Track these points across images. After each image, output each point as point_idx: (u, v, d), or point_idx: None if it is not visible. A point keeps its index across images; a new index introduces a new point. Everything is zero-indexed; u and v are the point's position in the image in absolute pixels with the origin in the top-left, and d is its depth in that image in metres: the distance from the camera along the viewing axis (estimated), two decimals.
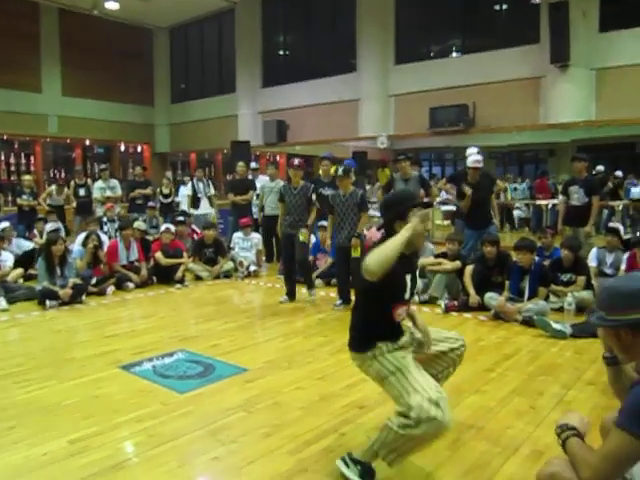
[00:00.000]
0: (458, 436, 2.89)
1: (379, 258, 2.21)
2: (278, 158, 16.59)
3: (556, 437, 1.76)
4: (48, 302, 5.99)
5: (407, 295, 2.54)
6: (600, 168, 12.27)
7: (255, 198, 9.11)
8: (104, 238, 7.78)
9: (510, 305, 5.29)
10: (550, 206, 12.32)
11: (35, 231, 8.68)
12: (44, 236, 7.86)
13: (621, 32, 9.31)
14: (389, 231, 2.51)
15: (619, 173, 12.76)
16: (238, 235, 8.32)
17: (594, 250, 6.21)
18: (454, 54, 11.85)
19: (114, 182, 10.32)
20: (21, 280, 6.95)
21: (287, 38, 14.90)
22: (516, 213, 14.57)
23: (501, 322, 5.29)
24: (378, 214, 9.04)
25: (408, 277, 2.53)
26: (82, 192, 10.15)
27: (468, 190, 6.55)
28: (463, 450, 2.76)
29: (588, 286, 5.68)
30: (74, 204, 10.17)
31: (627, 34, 9.24)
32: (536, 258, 5.51)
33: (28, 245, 7.97)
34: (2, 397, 3.48)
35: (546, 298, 5.44)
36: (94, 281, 6.77)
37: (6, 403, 3.39)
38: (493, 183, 7.12)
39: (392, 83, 12.05)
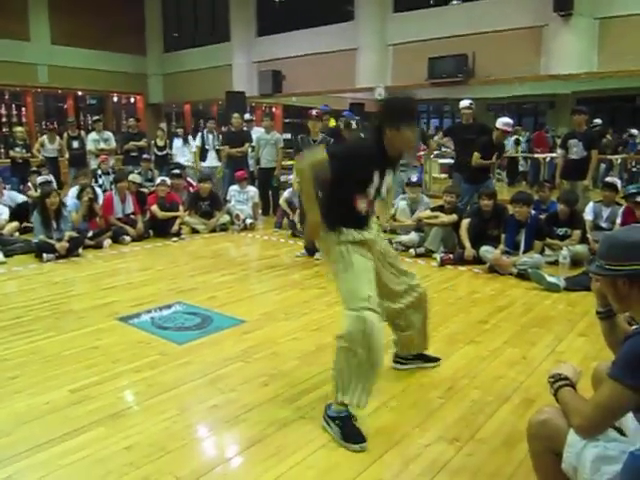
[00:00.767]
0: (452, 385, 2.96)
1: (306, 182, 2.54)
2: (274, 109, 16.33)
3: (548, 386, 1.80)
4: (45, 255, 5.99)
5: (372, 191, 2.58)
6: (597, 121, 12.14)
7: (250, 150, 9.01)
8: (98, 191, 7.71)
9: (505, 258, 5.33)
10: (548, 159, 12.25)
11: (29, 184, 8.60)
12: (38, 189, 7.79)
13: None
14: (379, 134, 2.54)
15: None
16: (234, 188, 8.27)
17: (590, 204, 6.21)
18: (454, 2, 11.51)
19: (108, 134, 10.16)
20: (17, 233, 6.93)
21: None
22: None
23: (496, 275, 5.33)
24: None
25: (376, 176, 2.56)
26: (75, 144, 10.01)
27: (496, 159, 6.53)
28: (456, 398, 2.83)
29: (583, 240, 5.71)
30: (67, 156, 10.04)
31: None
32: (532, 212, 5.51)
33: (22, 198, 7.90)
34: (3, 348, 3.52)
35: (541, 251, 5.48)
36: (90, 234, 6.77)
37: (7, 354, 3.44)
38: (503, 147, 7.09)
39: (390, 32, 11.74)
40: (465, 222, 5.90)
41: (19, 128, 10.32)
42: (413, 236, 6.39)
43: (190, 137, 10.45)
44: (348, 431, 2.42)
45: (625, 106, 16.09)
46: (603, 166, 11.95)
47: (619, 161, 12.02)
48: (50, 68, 14.12)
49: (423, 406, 2.74)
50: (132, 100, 16.74)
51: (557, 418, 1.69)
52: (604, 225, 5.96)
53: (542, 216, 5.90)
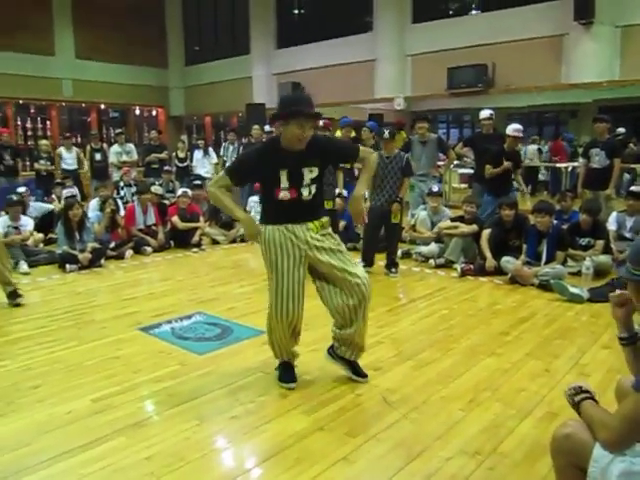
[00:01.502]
0: (473, 397, 2.93)
1: (216, 200, 3.08)
2: None
3: (567, 399, 1.77)
4: (68, 266, 6.08)
5: (284, 184, 2.89)
6: (621, 130, 11.97)
7: None
8: (119, 203, 7.82)
9: (527, 269, 5.26)
10: (570, 169, 12.09)
11: (53, 196, 8.75)
12: (62, 201, 7.92)
13: None
14: (271, 122, 2.98)
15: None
16: (254, 199, 8.31)
17: (614, 214, 6.11)
18: (473, 12, 11.50)
19: (130, 146, 10.31)
20: (41, 244, 7.05)
21: None
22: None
23: (517, 286, 5.27)
24: None
25: (283, 172, 2.87)
26: (98, 157, 10.17)
27: (508, 164, 6.43)
28: (478, 411, 2.79)
29: (606, 250, 5.62)
30: (86, 167, 10.17)
31: None
32: (554, 221, 5.44)
33: (47, 207, 8.04)
34: (26, 357, 3.58)
35: (563, 262, 5.40)
36: (113, 245, 6.86)
37: (30, 363, 3.49)
38: (518, 155, 6.99)
39: (409, 43, 11.76)
40: (486, 232, 5.84)
41: (44, 141, 10.52)
42: (433, 247, 6.35)
43: (210, 149, 10.55)
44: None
45: None
46: (627, 176, 11.75)
47: None
48: (74, 82, 14.41)
49: (444, 418, 2.71)
50: (154, 113, 16.98)
51: (581, 432, 1.66)
52: (628, 235, 5.86)
53: (564, 226, 5.83)
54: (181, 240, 7.46)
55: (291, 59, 13.69)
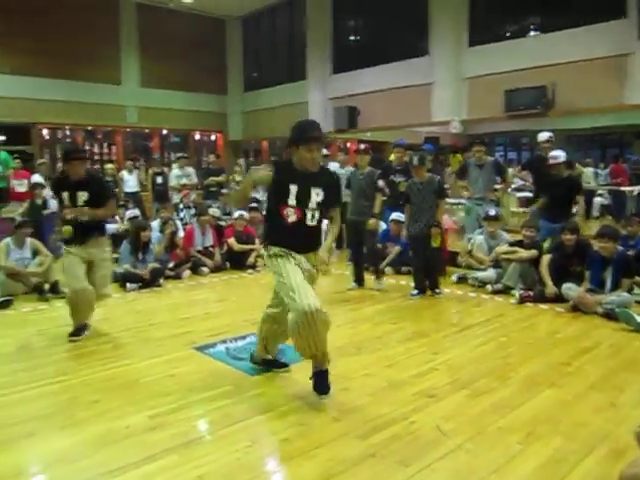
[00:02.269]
0: (532, 430, 2.81)
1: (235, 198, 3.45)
2: (349, 144, 16.54)
3: (636, 437, 1.67)
4: (129, 285, 6.30)
5: (292, 201, 3.13)
6: None
7: None
8: (178, 224, 8.06)
9: (590, 296, 5.05)
10: (635, 193, 11.60)
11: (117, 217, 9.12)
12: (124, 222, 8.24)
13: None
14: (288, 146, 3.19)
15: None
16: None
17: None
18: (532, 33, 11.32)
19: (190, 170, 10.63)
20: None
21: (357, 23, 14.75)
22: (597, 200, 13.80)
23: (580, 314, 5.06)
24: (452, 201, 8.86)
25: (293, 187, 3.13)
26: (159, 180, 10.54)
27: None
28: (537, 445, 2.67)
29: None
30: (148, 189, 10.55)
31: None
32: (619, 247, 5.22)
33: (111, 228, 8.35)
34: (87, 373, 3.70)
35: (629, 290, 5.16)
36: (171, 265, 7.06)
37: (91, 378, 3.61)
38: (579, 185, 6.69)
39: (465, 66, 11.68)
40: (546, 258, 5.66)
41: (109, 165, 11.01)
42: (490, 273, 6.20)
43: None
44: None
45: None
46: None
47: None
48: (139, 109, 15.07)
49: (501, 451, 2.61)
50: (212, 137, 17.49)
51: None
52: None
53: (630, 252, 5.57)
54: (237, 261, 7.60)
55: (347, 84, 13.84)
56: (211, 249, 7.57)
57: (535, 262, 5.82)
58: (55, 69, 13.22)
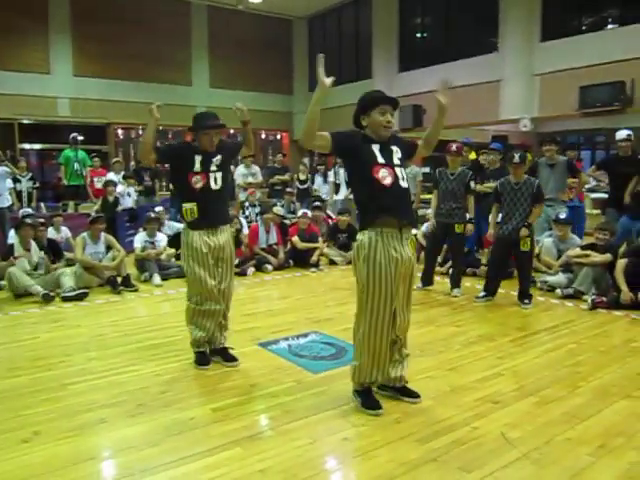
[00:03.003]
0: (604, 442, 2.68)
1: (303, 126, 3.12)
2: None
3: None
4: None
5: (380, 159, 2.95)
6: None
7: None
8: (243, 222, 8.22)
9: None
10: None
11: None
12: None
13: None
14: (357, 124, 3.18)
15: None
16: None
17: None
18: (609, 26, 10.79)
19: (255, 168, 10.81)
20: (173, 259, 7.58)
21: (425, 20, 14.55)
22: None
23: None
24: None
25: (376, 146, 2.99)
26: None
27: None
28: (609, 458, 2.55)
29: None
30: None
31: None
32: None
33: (179, 226, 8.65)
34: (156, 364, 3.85)
35: None
36: (236, 262, 7.20)
37: (159, 370, 3.75)
38: None
39: (537, 61, 11.27)
40: (622, 262, 5.38)
41: None
42: (560, 277, 5.96)
43: (330, 173, 10.73)
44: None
45: None
46: None
47: None
48: (208, 109, 15.48)
49: (570, 463, 2.51)
50: (278, 136, 17.73)
51: None
52: None
53: None
54: (300, 260, 7.67)
55: (413, 82, 13.68)
56: (275, 247, 7.68)
57: (609, 267, 5.55)
58: (131, 71, 13.92)
